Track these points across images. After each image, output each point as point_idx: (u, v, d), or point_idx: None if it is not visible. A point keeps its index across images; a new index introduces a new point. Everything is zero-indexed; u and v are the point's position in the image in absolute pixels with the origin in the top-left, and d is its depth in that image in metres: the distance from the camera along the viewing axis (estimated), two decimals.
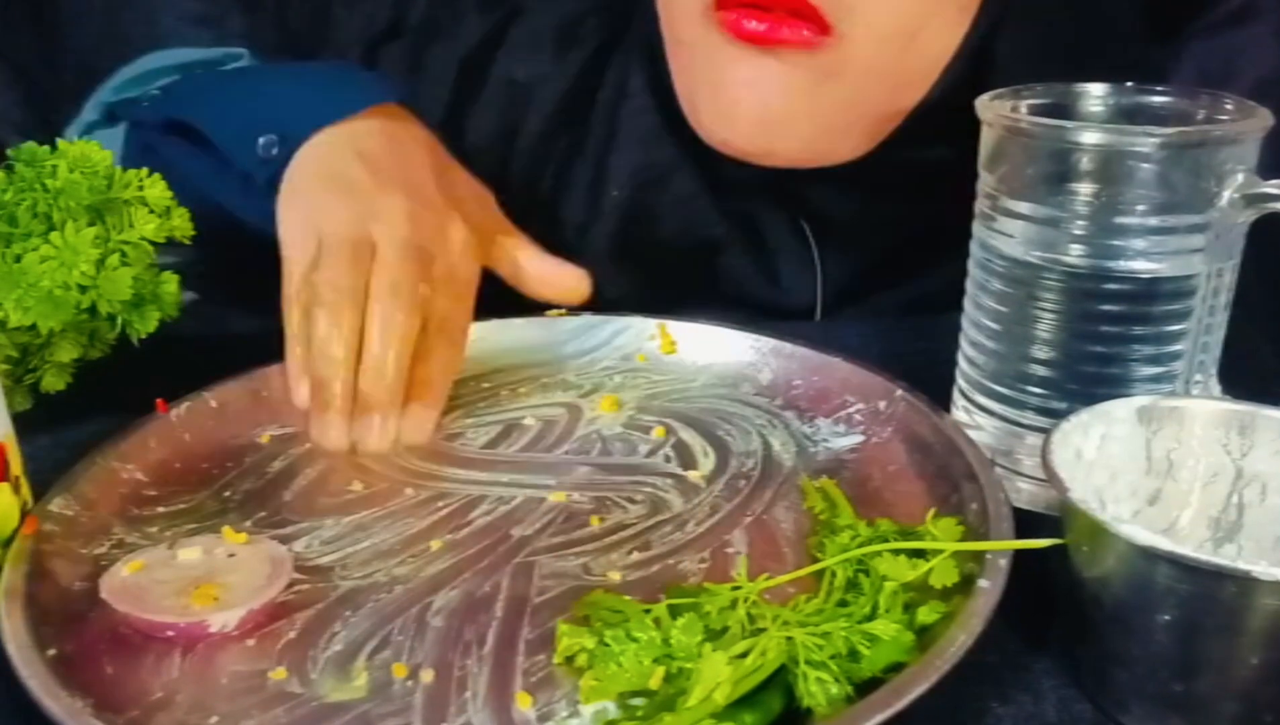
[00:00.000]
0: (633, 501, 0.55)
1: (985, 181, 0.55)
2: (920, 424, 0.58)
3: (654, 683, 0.42)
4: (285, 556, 0.51)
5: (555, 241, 0.71)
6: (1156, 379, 0.52)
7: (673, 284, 0.80)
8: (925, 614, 0.44)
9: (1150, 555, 0.40)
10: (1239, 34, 0.76)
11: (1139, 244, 0.51)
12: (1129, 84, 0.56)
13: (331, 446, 0.60)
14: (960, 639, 0.42)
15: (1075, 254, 0.51)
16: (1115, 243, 0.51)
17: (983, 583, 0.44)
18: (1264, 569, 0.39)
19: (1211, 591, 0.40)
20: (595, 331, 0.69)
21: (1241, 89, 0.55)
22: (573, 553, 0.52)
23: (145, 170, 0.64)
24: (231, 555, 0.51)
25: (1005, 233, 0.53)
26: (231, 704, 0.43)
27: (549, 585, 0.49)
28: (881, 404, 0.60)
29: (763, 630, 0.43)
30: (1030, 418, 0.54)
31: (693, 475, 0.57)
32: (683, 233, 0.80)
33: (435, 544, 0.52)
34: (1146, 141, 0.50)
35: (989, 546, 0.46)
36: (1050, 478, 0.44)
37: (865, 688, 0.41)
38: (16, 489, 0.51)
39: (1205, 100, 0.54)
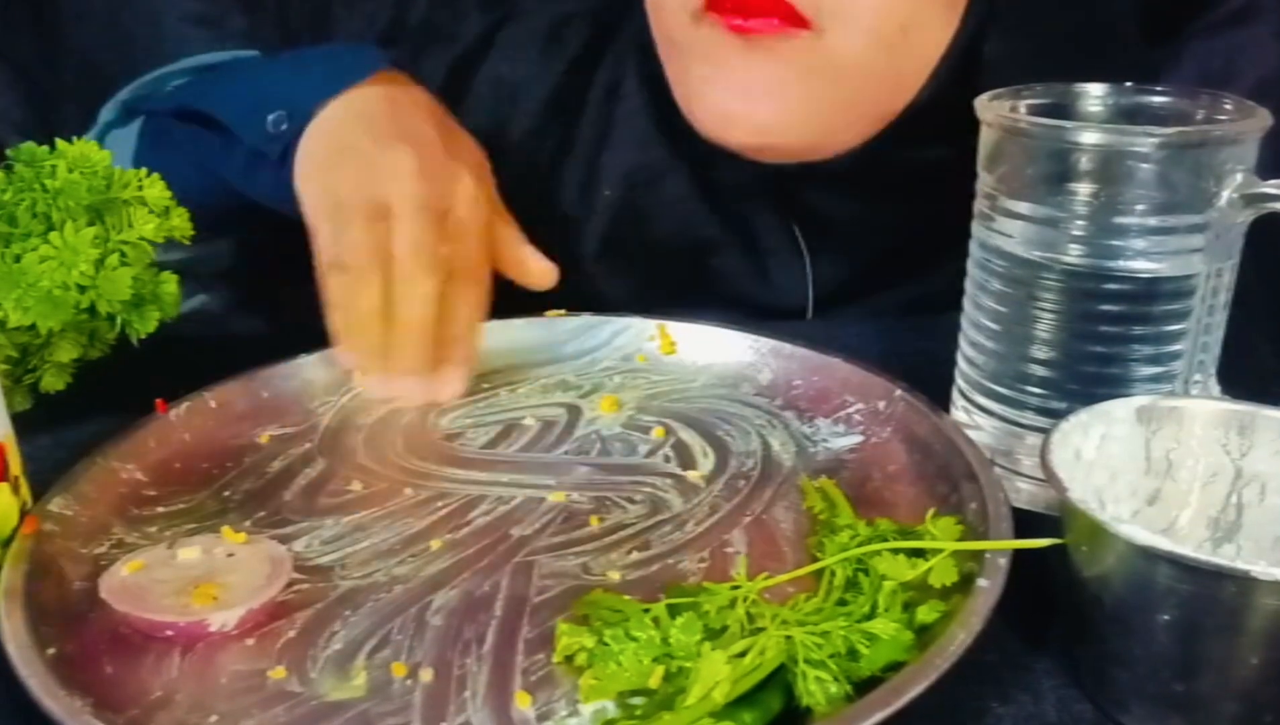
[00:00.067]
0: (632, 501, 0.55)
1: (984, 181, 0.55)
2: (920, 424, 0.58)
3: (653, 682, 0.42)
4: (285, 556, 0.51)
5: (547, 240, 0.71)
6: (1156, 379, 0.52)
7: (665, 284, 0.80)
8: (924, 613, 0.44)
9: (1150, 555, 0.40)
10: (1239, 34, 0.76)
11: (1138, 244, 0.51)
12: (1129, 84, 0.56)
13: (378, 399, 0.64)
14: (960, 638, 0.42)
15: (1075, 254, 0.51)
16: (1115, 243, 0.51)
17: (982, 582, 0.44)
18: (1263, 569, 0.39)
19: (1211, 591, 0.39)
20: (595, 332, 0.69)
21: (1242, 89, 0.55)
22: (572, 552, 0.52)
23: (145, 170, 0.64)
24: (231, 555, 0.51)
25: (1005, 233, 0.53)
26: (231, 703, 0.43)
27: (548, 585, 0.49)
28: (881, 404, 0.60)
29: (762, 629, 0.43)
30: (1030, 418, 0.54)
31: (692, 475, 0.57)
32: (675, 233, 0.81)
33: (435, 544, 0.52)
34: (1146, 141, 0.50)
35: (988, 546, 0.46)
36: (1050, 478, 0.44)
37: (864, 687, 0.41)
38: (16, 489, 0.51)
39: (1205, 100, 0.54)
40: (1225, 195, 0.50)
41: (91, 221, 0.61)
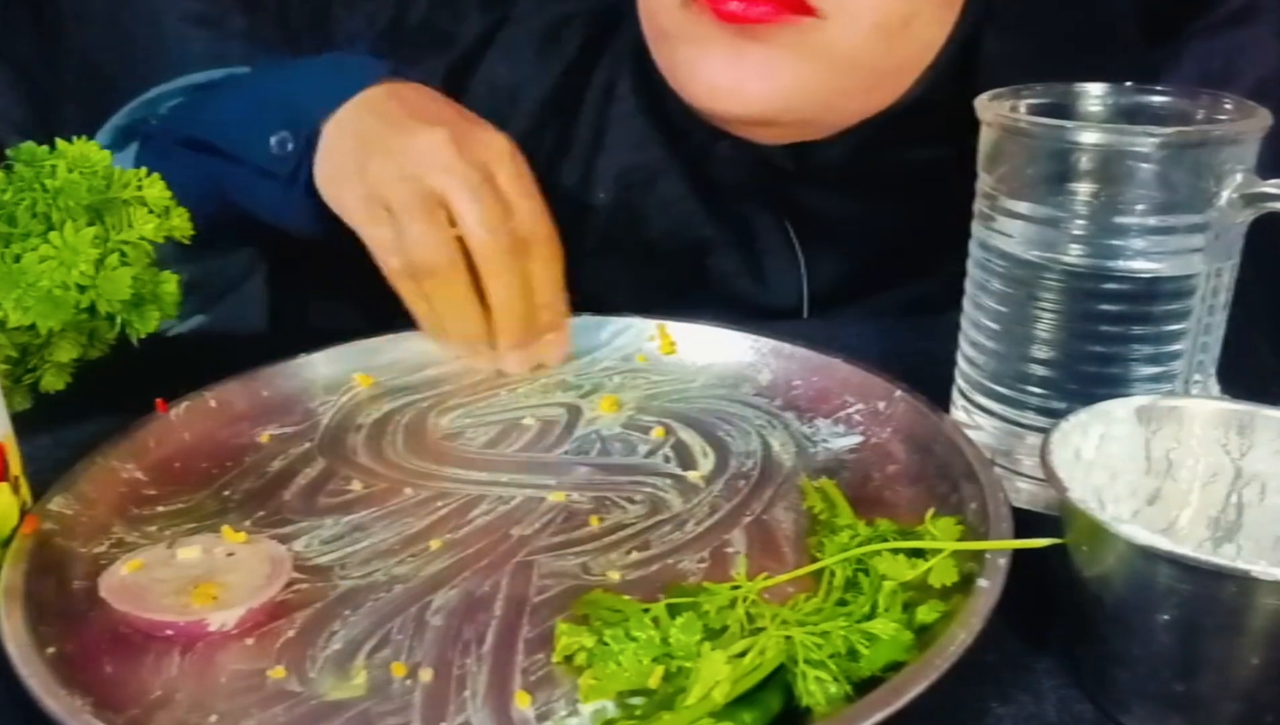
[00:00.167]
0: (632, 501, 0.55)
1: (984, 181, 0.55)
2: (920, 424, 0.58)
3: (653, 682, 0.42)
4: (284, 556, 0.51)
5: None
6: (1156, 379, 0.52)
7: (662, 284, 0.80)
8: (924, 613, 0.44)
9: (1150, 555, 0.40)
10: (1240, 34, 0.76)
11: (1138, 244, 0.51)
12: (1129, 84, 0.56)
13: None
14: (960, 638, 0.42)
15: (1075, 254, 0.51)
16: (1115, 242, 0.51)
17: (982, 582, 0.44)
18: (1264, 569, 0.39)
19: (1211, 591, 0.39)
20: (595, 332, 0.69)
21: (1242, 89, 0.55)
22: (572, 552, 0.52)
23: (145, 170, 0.64)
24: (231, 554, 0.51)
25: (1005, 232, 0.53)
26: (231, 703, 0.43)
27: (548, 585, 0.49)
28: (881, 404, 0.60)
29: (762, 629, 0.43)
30: (1030, 418, 0.54)
31: (692, 475, 0.57)
32: (670, 234, 0.81)
33: (435, 543, 0.52)
34: (1146, 141, 0.50)
35: (988, 546, 0.46)
36: (1050, 477, 0.44)
37: (864, 687, 0.41)
38: (16, 489, 0.51)
39: (1205, 100, 0.54)
40: (1225, 195, 0.50)
41: (91, 221, 0.61)
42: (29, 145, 0.62)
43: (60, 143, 0.62)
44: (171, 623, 0.46)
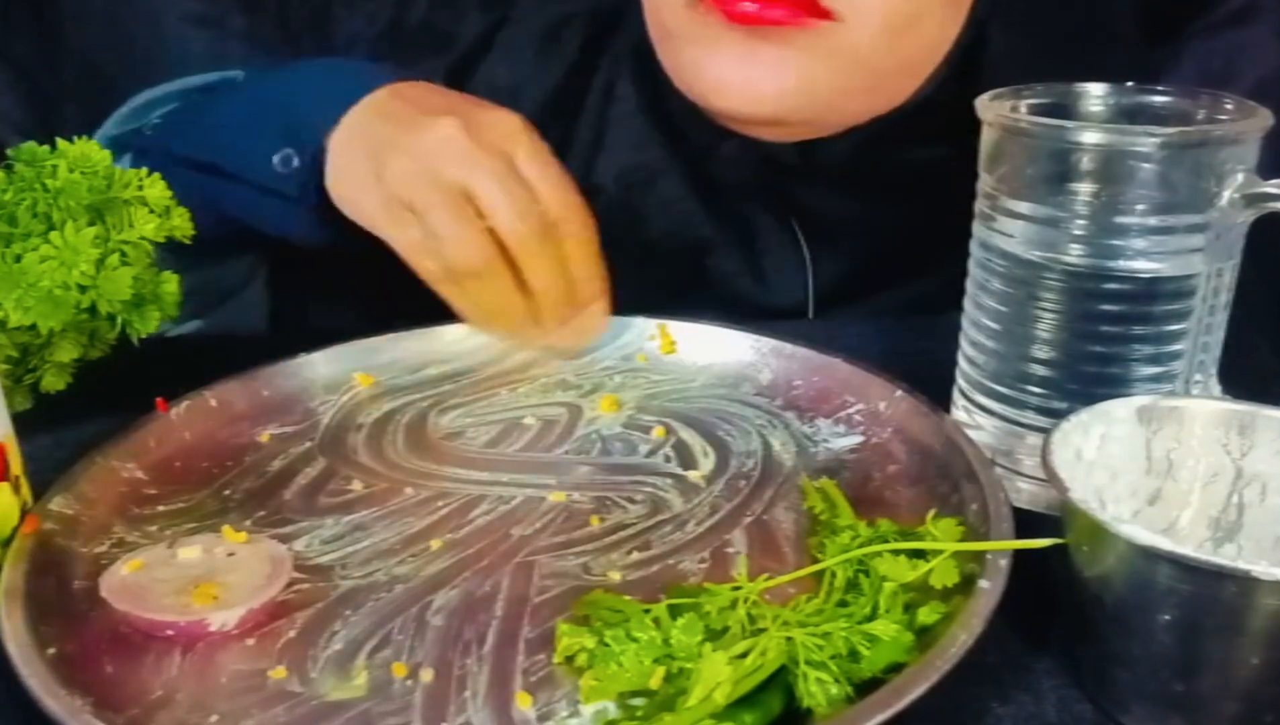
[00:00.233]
0: (633, 501, 0.55)
1: (985, 181, 0.55)
2: (920, 424, 0.58)
3: (654, 683, 0.42)
4: (285, 556, 0.51)
5: None
6: (1156, 379, 0.52)
7: (663, 284, 0.80)
8: (925, 614, 0.44)
9: (1150, 555, 0.40)
10: (1240, 34, 0.76)
11: (1139, 244, 0.51)
12: (1129, 84, 0.56)
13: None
14: (960, 639, 0.42)
15: (1075, 254, 0.51)
16: (1115, 242, 0.51)
17: (983, 583, 0.44)
18: (1264, 569, 0.39)
19: (1212, 591, 0.39)
20: None
21: (1243, 89, 0.55)
22: (573, 552, 0.52)
23: (145, 170, 0.64)
24: (231, 554, 0.51)
25: (1005, 232, 0.53)
26: (231, 703, 0.43)
27: (549, 585, 0.49)
28: (881, 404, 0.60)
29: (763, 630, 0.43)
30: (1030, 418, 0.54)
31: (693, 475, 0.57)
32: (671, 234, 0.81)
33: (435, 543, 0.52)
34: (1146, 141, 0.50)
35: (989, 547, 0.46)
36: (1050, 478, 0.44)
37: (865, 688, 0.41)
38: (16, 489, 0.51)
39: (1205, 100, 0.54)
40: (1226, 195, 0.50)
41: (92, 221, 0.61)
42: (30, 145, 0.62)
43: (61, 143, 0.62)
44: (172, 623, 0.46)
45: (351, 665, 0.45)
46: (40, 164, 0.61)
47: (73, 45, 1.16)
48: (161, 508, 0.55)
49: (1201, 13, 0.77)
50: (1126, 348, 0.52)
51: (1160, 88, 0.55)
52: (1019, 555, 0.45)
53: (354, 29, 0.91)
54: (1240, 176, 0.50)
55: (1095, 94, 0.56)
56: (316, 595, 0.49)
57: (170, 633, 0.46)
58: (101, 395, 0.62)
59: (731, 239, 0.81)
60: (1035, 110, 0.55)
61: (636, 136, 0.80)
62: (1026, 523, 0.48)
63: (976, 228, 0.56)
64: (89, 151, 0.62)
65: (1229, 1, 0.76)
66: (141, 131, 0.82)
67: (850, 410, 0.61)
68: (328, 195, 0.68)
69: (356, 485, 0.57)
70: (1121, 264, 0.51)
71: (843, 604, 0.45)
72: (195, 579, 0.49)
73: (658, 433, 0.61)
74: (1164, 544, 0.40)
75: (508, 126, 0.63)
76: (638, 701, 0.42)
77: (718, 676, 0.41)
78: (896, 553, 0.46)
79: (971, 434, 0.56)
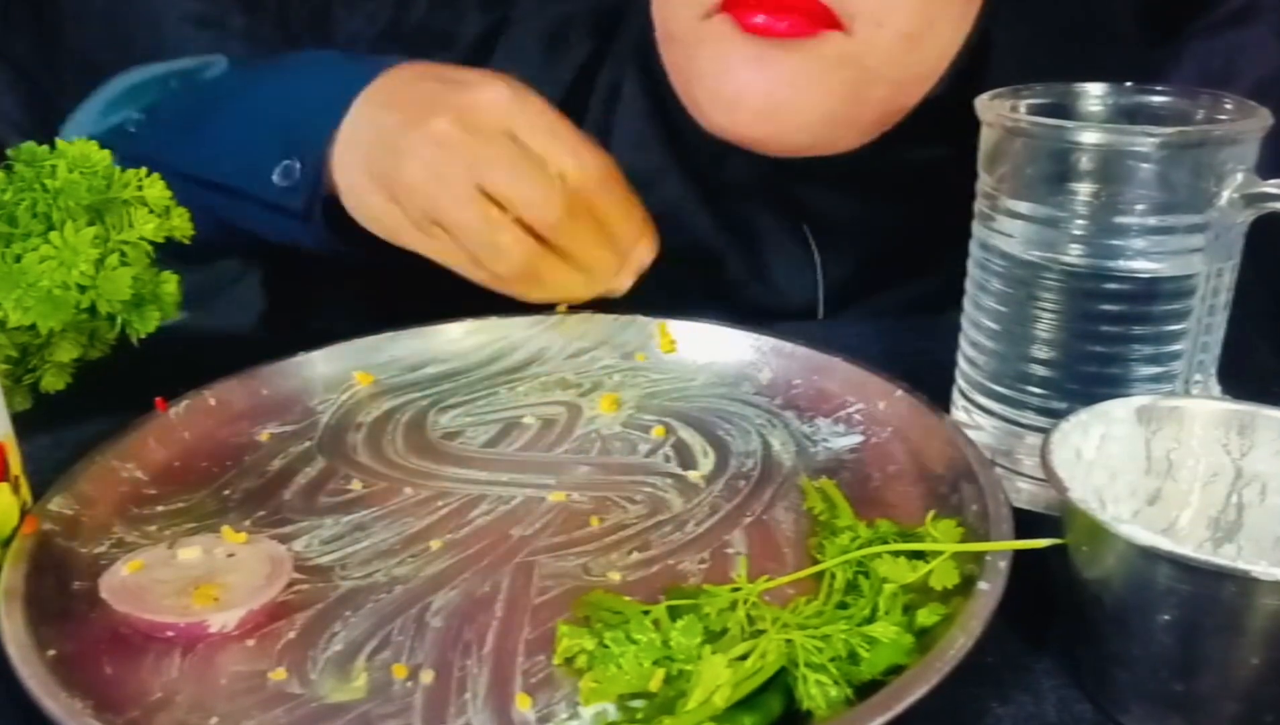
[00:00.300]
0: (632, 501, 0.55)
1: (984, 181, 0.55)
2: (920, 424, 0.58)
3: (654, 685, 0.42)
4: (285, 556, 0.51)
5: None
6: (1156, 379, 0.52)
7: (665, 286, 0.80)
8: (925, 616, 0.44)
9: (1150, 555, 0.40)
10: (1240, 34, 0.76)
11: (1139, 244, 0.51)
12: (1129, 84, 0.56)
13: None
14: (960, 641, 0.42)
15: (1075, 254, 0.51)
16: (1115, 242, 0.51)
17: (983, 584, 0.44)
18: (1264, 569, 0.39)
19: (1211, 591, 0.39)
20: (595, 330, 0.69)
21: (1242, 89, 0.55)
22: (573, 553, 0.52)
23: (145, 170, 0.64)
24: (231, 555, 0.51)
25: (1005, 232, 0.53)
26: (231, 704, 0.43)
27: (549, 585, 0.49)
28: (881, 404, 0.60)
29: (762, 632, 0.43)
30: (1030, 418, 0.54)
31: (692, 475, 0.57)
32: (674, 236, 0.81)
33: (435, 544, 0.52)
34: (1146, 141, 0.50)
35: (989, 547, 0.46)
36: (1050, 478, 0.44)
37: (865, 690, 0.41)
38: (16, 489, 0.51)
39: (1205, 100, 0.54)
40: (1225, 195, 0.50)
41: (91, 221, 0.61)
42: (29, 145, 0.62)
43: (60, 143, 0.62)
44: (172, 624, 0.46)
45: (351, 666, 0.45)
46: (40, 164, 0.61)
47: (73, 45, 1.16)
48: (161, 508, 0.55)
49: (1201, 13, 0.77)
50: (1126, 348, 0.52)
51: (1160, 88, 0.55)
52: (1018, 555, 0.45)
53: (354, 29, 0.91)
54: (1240, 176, 0.50)
55: (1095, 94, 0.56)
56: (316, 596, 0.49)
57: (170, 634, 0.46)
58: (101, 395, 0.62)
59: (736, 241, 0.80)
60: (1035, 110, 0.55)
61: (639, 137, 0.80)
62: (1026, 523, 0.48)
63: (976, 228, 0.56)
64: (89, 151, 0.62)
65: (1229, 1, 0.76)
66: (125, 130, 0.80)
67: (850, 410, 0.61)
68: (332, 205, 0.67)
69: (356, 485, 0.57)
70: (1121, 264, 0.51)
71: (842, 606, 0.45)
72: (195, 580, 0.49)
73: (657, 432, 0.61)
74: (1164, 544, 0.40)
75: (497, 102, 0.62)
76: (637, 703, 0.42)
77: (717, 679, 0.41)
78: (896, 554, 0.46)
79: (971, 434, 0.56)
